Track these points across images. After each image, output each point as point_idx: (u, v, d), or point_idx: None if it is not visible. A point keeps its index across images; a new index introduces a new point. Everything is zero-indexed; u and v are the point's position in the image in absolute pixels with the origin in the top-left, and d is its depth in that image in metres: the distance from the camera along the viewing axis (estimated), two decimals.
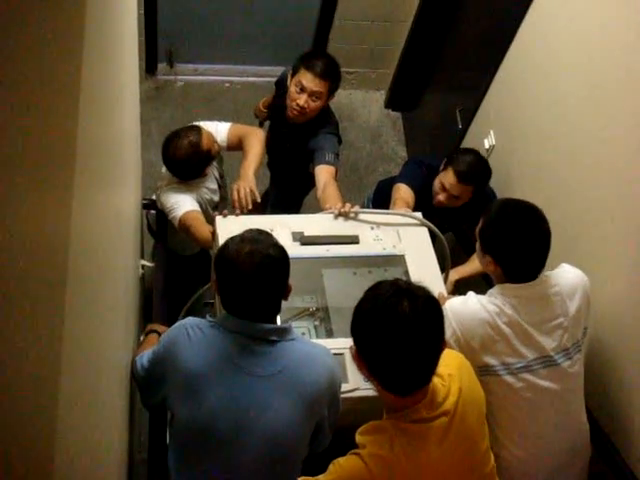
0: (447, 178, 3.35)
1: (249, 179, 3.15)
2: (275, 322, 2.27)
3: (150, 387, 2.35)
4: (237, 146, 3.40)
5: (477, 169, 3.35)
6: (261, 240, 2.16)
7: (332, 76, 3.34)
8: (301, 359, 2.19)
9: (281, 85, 3.59)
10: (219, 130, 3.40)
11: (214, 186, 3.48)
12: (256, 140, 3.34)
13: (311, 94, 3.31)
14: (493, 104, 4.02)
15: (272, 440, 2.13)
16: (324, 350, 2.31)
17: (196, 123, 3.39)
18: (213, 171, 3.48)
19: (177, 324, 2.30)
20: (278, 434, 2.13)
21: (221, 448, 2.15)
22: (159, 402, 2.31)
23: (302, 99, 3.31)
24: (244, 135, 3.38)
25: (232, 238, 2.20)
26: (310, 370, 2.19)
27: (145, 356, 2.36)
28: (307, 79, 3.28)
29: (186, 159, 3.19)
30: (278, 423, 2.13)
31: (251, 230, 2.23)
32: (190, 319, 2.29)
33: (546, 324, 2.46)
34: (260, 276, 2.10)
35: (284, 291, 2.22)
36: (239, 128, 3.44)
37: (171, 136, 3.27)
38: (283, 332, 2.20)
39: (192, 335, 2.18)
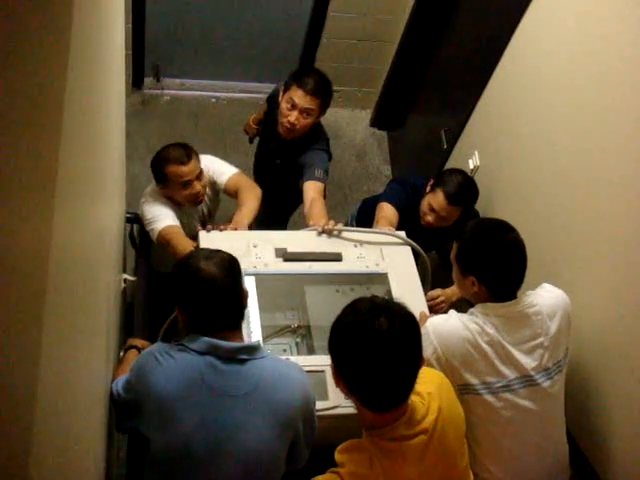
0: (436, 200, 3.34)
1: (242, 225, 3.15)
2: (242, 338, 2.27)
3: (124, 414, 2.34)
4: (233, 195, 3.40)
5: (466, 190, 3.35)
6: (207, 250, 2.27)
7: (323, 93, 3.36)
8: (273, 377, 2.18)
9: (273, 100, 3.60)
10: (222, 172, 3.40)
11: (196, 222, 3.47)
12: (254, 197, 3.32)
13: (302, 111, 3.32)
14: (478, 125, 4.05)
15: (248, 459, 2.12)
16: (296, 367, 2.31)
17: (205, 156, 3.43)
18: (203, 207, 3.47)
19: (145, 352, 2.30)
20: (253, 453, 2.12)
21: (198, 470, 2.13)
22: (132, 429, 2.31)
23: (293, 116, 3.33)
24: (243, 188, 3.35)
25: (181, 265, 2.24)
26: (283, 388, 2.18)
27: (120, 383, 2.34)
28: (298, 96, 3.29)
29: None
30: (253, 442, 2.11)
31: (188, 253, 2.36)
32: (158, 345, 2.29)
33: (527, 343, 2.47)
34: (228, 276, 2.17)
35: (243, 292, 2.27)
36: (241, 180, 3.40)
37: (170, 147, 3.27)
38: (252, 350, 2.19)
39: (161, 360, 2.16)
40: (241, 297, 2.24)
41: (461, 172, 3.45)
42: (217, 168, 3.39)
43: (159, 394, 2.12)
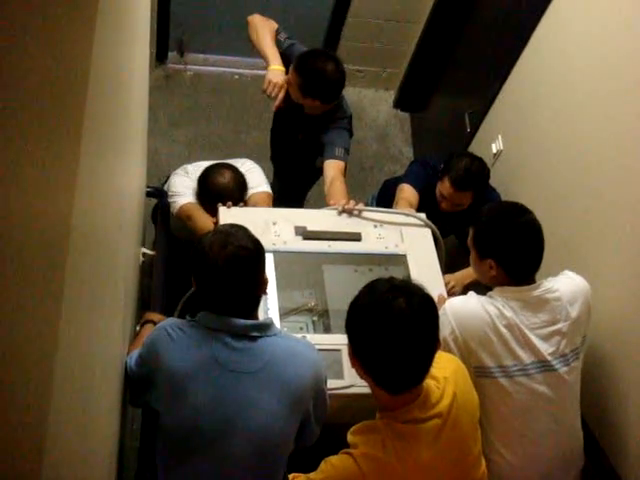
0: (444, 187, 3.37)
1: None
2: (256, 317, 2.25)
3: (137, 388, 2.35)
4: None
5: (471, 174, 3.34)
6: (234, 233, 2.16)
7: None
8: (284, 354, 2.17)
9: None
10: (252, 186, 3.34)
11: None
12: None
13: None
14: (502, 109, 4.01)
15: (257, 436, 2.13)
16: (307, 345, 2.30)
17: (248, 162, 3.43)
18: None
19: (157, 326, 2.30)
20: (263, 430, 2.12)
21: (207, 446, 2.14)
22: (146, 403, 2.31)
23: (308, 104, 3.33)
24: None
25: (207, 232, 2.22)
26: (293, 365, 2.17)
27: (133, 357, 2.35)
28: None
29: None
30: (262, 419, 2.12)
31: (225, 224, 2.27)
32: (170, 320, 2.29)
33: (545, 328, 2.46)
34: (232, 269, 2.09)
35: (259, 285, 2.21)
36: (264, 202, 3.32)
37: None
38: (264, 328, 2.18)
39: (173, 335, 2.17)
40: (255, 289, 2.20)
41: (467, 155, 3.46)
42: (251, 180, 3.34)
43: (170, 369, 2.13)
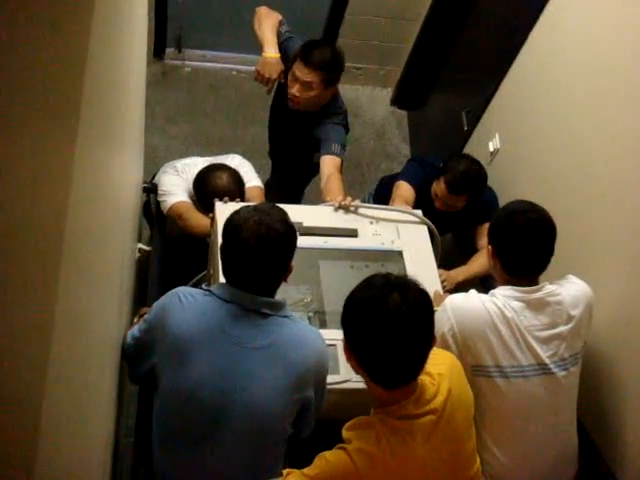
0: (439, 188, 3.38)
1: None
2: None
3: (139, 355, 2.32)
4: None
5: (468, 179, 3.33)
6: (272, 213, 2.15)
7: (326, 68, 3.25)
8: (292, 336, 2.18)
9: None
10: (244, 181, 3.30)
11: None
12: None
13: (302, 84, 3.27)
14: (500, 108, 4.01)
15: (255, 411, 2.13)
16: (316, 333, 2.31)
17: (237, 157, 3.44)
18: None
19: (169, 292, 2.28)
20: (261, 407, 2.13)
21: (204, 418, 2.14)
22: (146, 372, 2.28)
23: (295, 88, 3.29)
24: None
25: (246, 206, 2.20)
26: (300, 348, 2.18)
27: (136, 326, 2.36)
28: (299, 68, 3.24)
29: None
30: (263, 393, 2.12)
31: (266, 202, 2.24)
32: (183, 287, 2.29)
33: (545, 331, 2.46)
34: (261, 248, 2.09)
35: (284, 270, 2.21)
36: (256, 197, 3.31)
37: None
38: (276, 306, 2.19)
39: (184, 301, 2.17)
40: (279, 273, 2.20)
41: (467, 158, 3.43)
42: (243, 175, 3.32)
43: (175, 332, 2.13)
